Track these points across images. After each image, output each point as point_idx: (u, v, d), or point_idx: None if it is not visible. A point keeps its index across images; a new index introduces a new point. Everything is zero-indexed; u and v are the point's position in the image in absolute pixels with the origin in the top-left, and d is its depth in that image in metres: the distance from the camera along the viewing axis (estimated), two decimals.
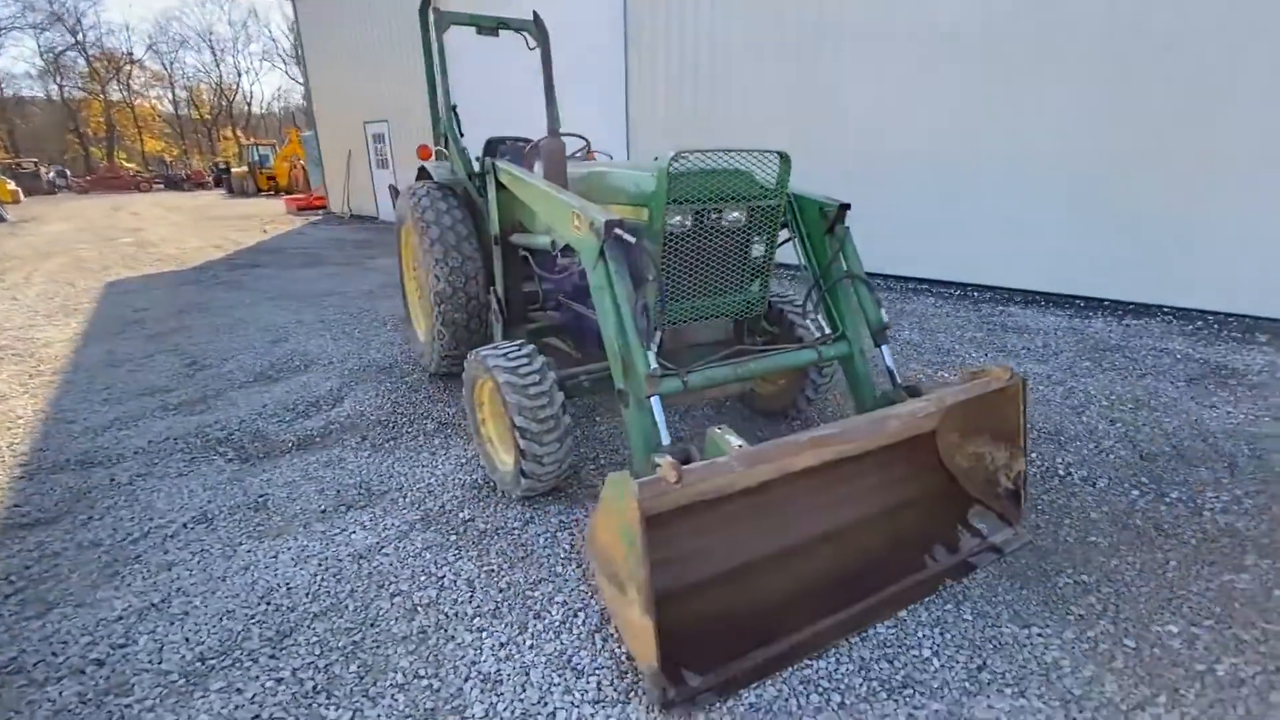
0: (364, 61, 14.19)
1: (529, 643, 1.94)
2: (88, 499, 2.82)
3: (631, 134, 9.43)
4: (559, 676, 1.81)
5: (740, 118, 7.96)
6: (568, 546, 2.42)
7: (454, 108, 5.24)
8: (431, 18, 4.31)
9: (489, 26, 4.55)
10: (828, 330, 2.67)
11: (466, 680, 1.80)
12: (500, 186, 3.14)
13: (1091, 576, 2.19)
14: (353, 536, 2.50)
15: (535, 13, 2.76)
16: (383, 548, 2.43)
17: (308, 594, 2.18)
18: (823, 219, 2.68)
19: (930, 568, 2.22)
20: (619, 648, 1.91)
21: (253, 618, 2.07)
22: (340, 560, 2.35)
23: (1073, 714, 1.65)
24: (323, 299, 6.78)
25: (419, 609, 2.09)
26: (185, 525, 2.61)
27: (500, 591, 2.17)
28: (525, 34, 4.75)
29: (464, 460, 3.12)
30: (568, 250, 2.49)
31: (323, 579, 2.25)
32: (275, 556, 2.38)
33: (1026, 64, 5.76)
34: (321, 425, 3.56)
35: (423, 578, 2.25)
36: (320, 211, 17.80)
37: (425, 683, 1.80)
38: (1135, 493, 2.72)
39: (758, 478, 2.03)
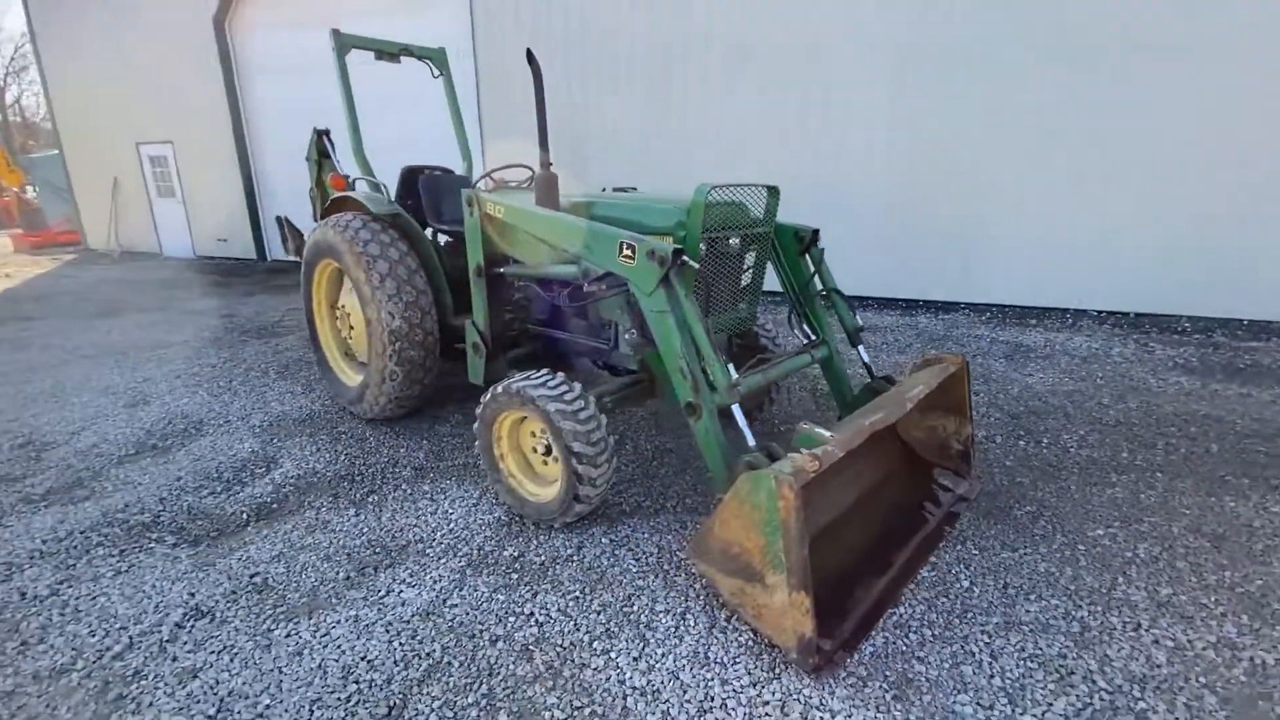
0: (135, 75, 12.02)
1: (659, 651, 2.02)
2: (7, 622, 2.19)
3: (487, 157, 9.35)
4: (707, 672, 1.94)
5: (598, 136, 8.37)
6: (634, 561, 2.51)
7: (325, 132, 4.89)
8: (333, 40, 4.05)
9: (391, 52, 4.39)
10: (813, 337, 3.11)
11: (626, 698, 1.84)
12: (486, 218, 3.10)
13: (1032, 506, 2.88)
14: (404, 596, 2.31)
15: (530, 50, 2.81)
16: (447, 600, 2.29)
17: (397, 662, 1.99)
18: (797, 242, 3.13)
19: (930, 520, 2.74)
20: (744, 635, 2.08)
21: (349, 701, 1.85)
22: (408, 621, 2.17)
23: (1078, 601, 2.22)
24: (158, 351, 5.70)
25: (531, 647, 2.05)
26: (179, 624, 2.17)
27: (599, 614, 2.20)
28: (429, 62, 4.66)
29: (473, 500, 2.99)
30: (607, 278, 2.57)
31: (402, 643, 2.07)
32: (327, 634, 2.12)
33: (850, 94, 7.01)
34: (271, 491, 3.12)
35: (512, 619, 2.18)
36: (73, 248, 14.49)
37: (589, 710, 1.80)
38: (1022, 442, 3.57)
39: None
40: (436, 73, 4.80)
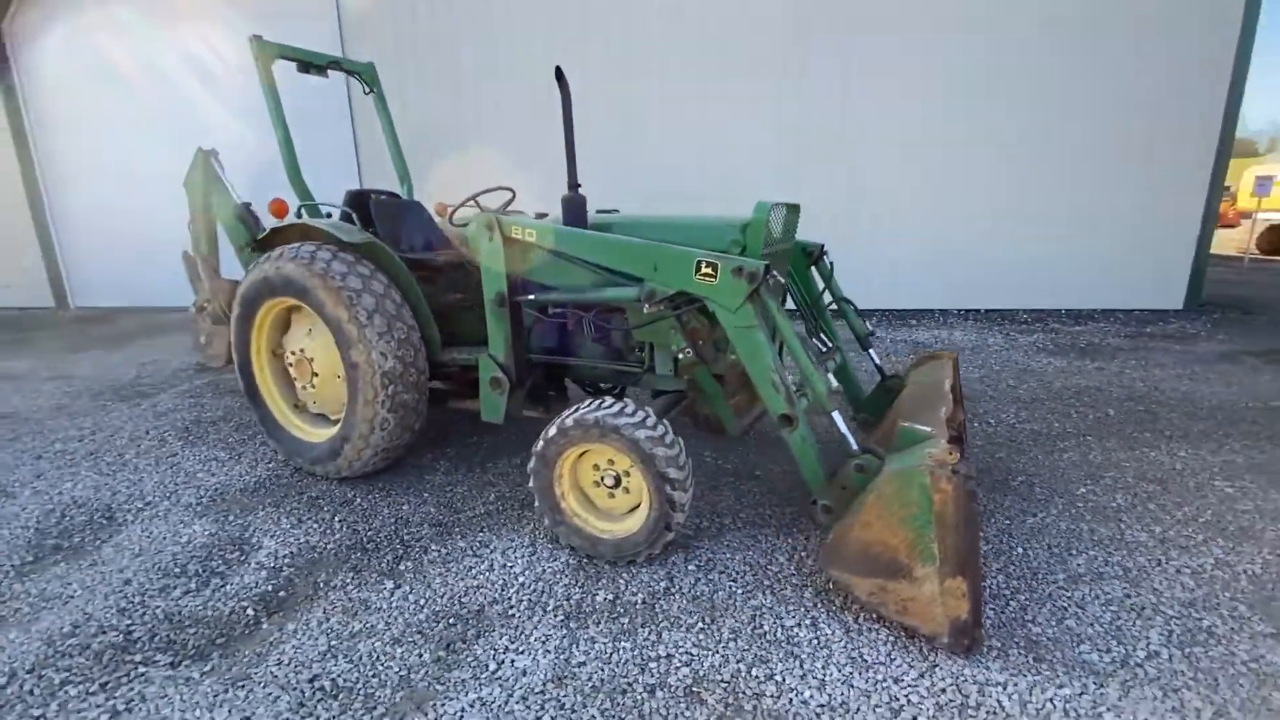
0: None
1: (817, 664, 2.03)
2: None
3: (364, 175, 8.60)
4: (873, 673, 1.98)
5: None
6: (732, 582, 2.48)
7: (213, 153, 4.28)
8: (254, 48, 3.56)
9: (319, 65, 3.96)
10: (829, 346, 3.31)
11: (820, 717, 1.82)
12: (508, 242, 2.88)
13: (1023, 477, 3.33)
14: (519, 664, 2.05)
15: (559, 68, 2.68)
16: (570, 659, 2.08)
17: None
18: (805, 256, 3.33)
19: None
20: (880, 633, 2.15)
21: None
22: (540, 689, 1.94)
23: (1108, 549, 2.62)
24: None
25: (695, 689, 1.94)
26: None
27: (735, 640, 2.15)
28: (359, 77, 4.26)
29: (526, 548, 2.74)
30: (674, 299, 2.50)
31: (554, 717, 1.84)
32: None
33: (732, 120, 7.59)
34: (267, 577, 2.58)
35: (653, 664, 2.05)
36: None
37: None
38: (976, 424, 4.10)
39: None
40: (367, 89, 4.37)
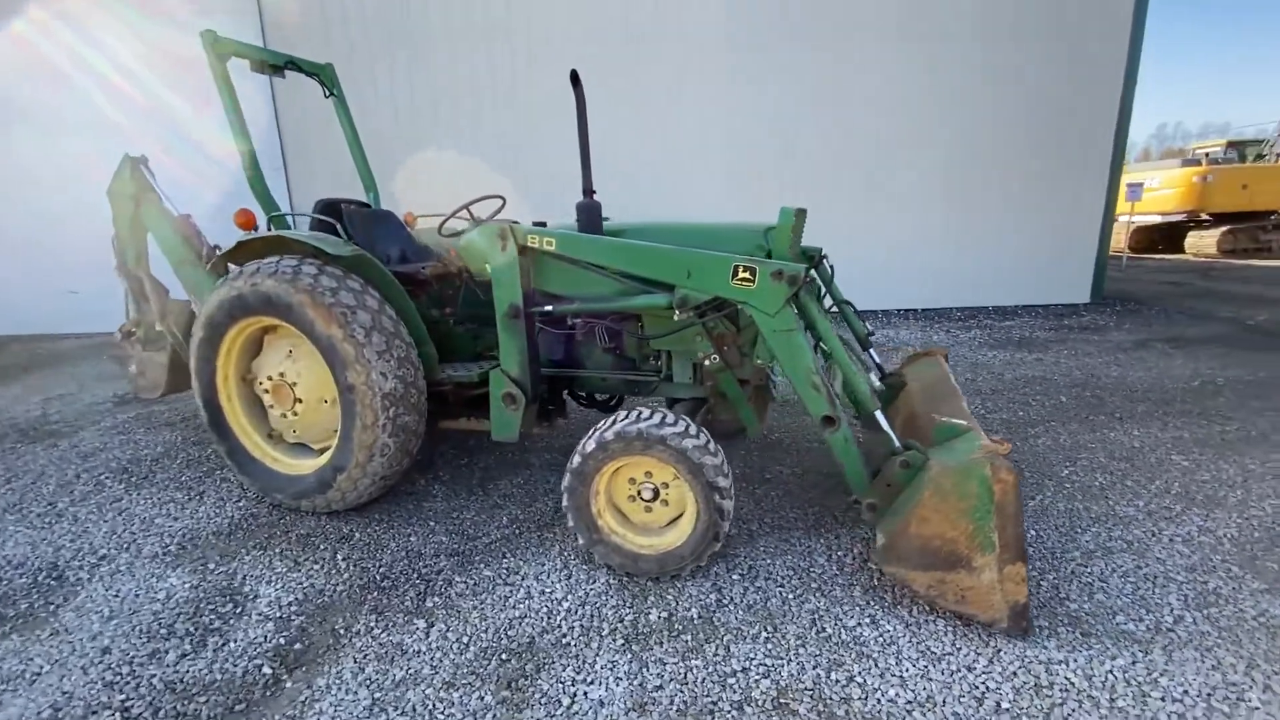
0: None
1: (890, 661, 2.05)
2: None
3: (292, 185, 8.04)
4: (946, 664, 2.03)
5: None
6: (780, 588, 2.47)
7: (142, 160, 3.91)
8: (206, 43, 3.25)
9: (275, 64, 3.67)
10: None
11: (911, 714, 1.84)
12: (523, 252, 2.75)
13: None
14: (594, 695, 1.94)
15: (574, 71, 2.58)
16: (645, 683, 1.99)
17: None
18: (806, 260, 3.39)
19: None
20: (939, 624, 2.21)
21: None
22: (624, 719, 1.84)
23: (1107, 525, 2.83)
24: None
25: (783, 700, 1.90)
26: None
27: (804, 645, 2.14)
28: (319, 78, 3.99)
29: (560, 571, 2.61)
30: (711, 306, 2.47)
31: None
32: None
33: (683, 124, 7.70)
34: (275, 629, 2.31)
35: (732, 679, 1.99)
36: None
37: None
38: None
39: None
40: (328, 92, 4.06)
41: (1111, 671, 1.97)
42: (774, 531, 2.89)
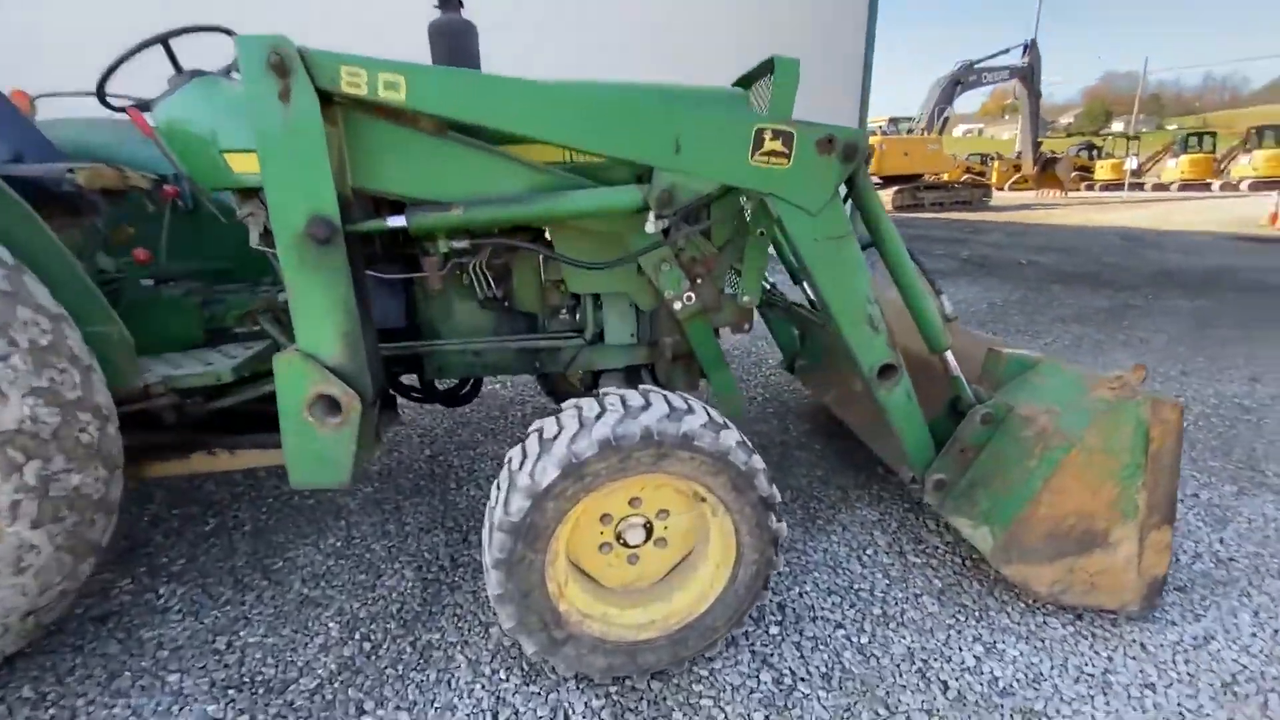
0: None
1: (1042, 671, 1.41)
2: None
3: None
4: (1089, 669, 1.46)
5: None
6: (843, 632, 1.66)
7: None
8: None
9: None
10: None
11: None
12: None
13: None
14: None
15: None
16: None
17: None
18: None
19: None
20: (1046, 618, 1.65)
21: None
22: None
23: None
24: None
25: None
26: None
27: (917, 668, 1.37)
28: None
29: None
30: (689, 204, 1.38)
31: None
32: None
33: None
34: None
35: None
36: None
37: None
38: None
39: None
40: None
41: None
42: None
